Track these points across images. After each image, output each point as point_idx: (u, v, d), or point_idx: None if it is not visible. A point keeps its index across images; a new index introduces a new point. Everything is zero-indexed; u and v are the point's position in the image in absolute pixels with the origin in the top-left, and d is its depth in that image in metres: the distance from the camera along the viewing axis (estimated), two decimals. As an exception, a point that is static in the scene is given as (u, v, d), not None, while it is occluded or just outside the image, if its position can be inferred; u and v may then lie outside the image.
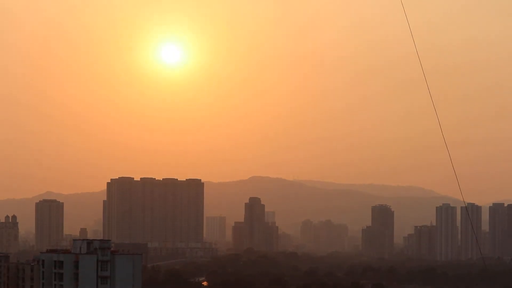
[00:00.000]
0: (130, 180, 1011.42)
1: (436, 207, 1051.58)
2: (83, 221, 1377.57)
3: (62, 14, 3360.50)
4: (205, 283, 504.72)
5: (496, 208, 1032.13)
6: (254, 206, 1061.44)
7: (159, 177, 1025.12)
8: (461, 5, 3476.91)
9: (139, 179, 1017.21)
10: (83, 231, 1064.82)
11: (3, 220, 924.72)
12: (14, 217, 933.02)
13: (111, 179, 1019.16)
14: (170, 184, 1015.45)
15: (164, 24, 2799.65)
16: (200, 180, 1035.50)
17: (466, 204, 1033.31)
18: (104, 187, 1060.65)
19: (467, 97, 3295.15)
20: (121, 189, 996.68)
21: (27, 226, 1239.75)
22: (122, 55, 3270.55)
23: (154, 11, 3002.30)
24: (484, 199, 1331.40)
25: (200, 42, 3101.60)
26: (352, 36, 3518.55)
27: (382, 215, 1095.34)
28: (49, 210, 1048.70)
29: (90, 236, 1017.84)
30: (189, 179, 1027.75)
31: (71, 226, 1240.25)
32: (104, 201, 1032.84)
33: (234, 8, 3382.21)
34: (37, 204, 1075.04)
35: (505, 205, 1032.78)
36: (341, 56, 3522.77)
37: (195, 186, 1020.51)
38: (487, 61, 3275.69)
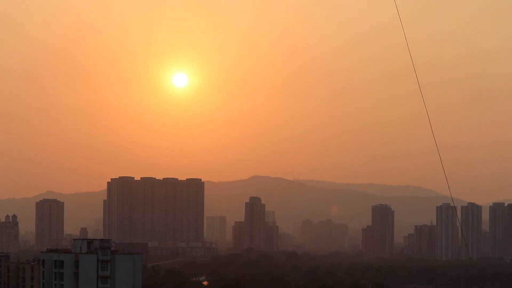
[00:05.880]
0: (130, 180, 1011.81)
1: (436, 207, 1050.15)
2: (84, 221, 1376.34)
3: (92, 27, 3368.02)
4: (205, 283, 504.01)
5: (496, 208, 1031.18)
6: (254, 206, 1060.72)
7: (159, 176, 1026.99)
8: (468, 16, 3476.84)
9: (139, 179, 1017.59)
10: (84, 230, 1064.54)
11: (3, 219, 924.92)
12: (14, 216, 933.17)
13: (112, 179, 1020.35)
14: (170, 184, 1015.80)
15: (176, 57, 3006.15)
16: (200, 180, 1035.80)
17: (464, 204, 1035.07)
18: (105, 186, 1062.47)
19: (467, 98, 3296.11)
20: (122, 189, 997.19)
21: (27, 226, 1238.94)
22: (137, 75, 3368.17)
23: (168, 47, 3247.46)
24: (484, 199, 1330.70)
25: (202, 71, 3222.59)
26: (353, 45, 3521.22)
27: (382, 214, 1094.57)
28: (50, 209, 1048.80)
29: (90, 235, 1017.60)
30: (189, 179, 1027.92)
31: (72, 226, 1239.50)
32: (104, 200, 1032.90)
33: (227, 42, 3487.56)
34: (37, 204, 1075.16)
35: (505, 205, 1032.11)
36: (340, 62, 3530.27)
37: (195, 186, 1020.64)
38: (487, 67, 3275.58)
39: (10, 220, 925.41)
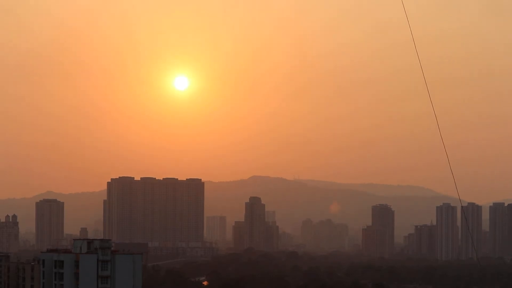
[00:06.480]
0: (130, 180, 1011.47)
1: (437, 207, 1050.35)
2: (84, 221, 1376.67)
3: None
4: (205, 283, 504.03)
5: (496, 208, 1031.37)
6: (254, 206, 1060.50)
7: (159, 177, 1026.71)
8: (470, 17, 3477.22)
9: (139, 179, 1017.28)
10: (84, 230, 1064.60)
11: (3, 219, 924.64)
12: (14, 216, 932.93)
13: (112, 179, 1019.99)
14: (170, 184, 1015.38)
15: (178, 62, 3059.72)
16: (200, 180, 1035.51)
17: (465, 204, 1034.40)
18: (105, 187, 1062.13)
19: (467, 99, 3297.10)
20: (121, 189, 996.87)
21: (27, 226, 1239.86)
22: (139, 77, 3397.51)
23: (171, 50, 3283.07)
24: (484, 199, 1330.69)
25: (203, 74, 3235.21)
26: (354, 44, 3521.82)
27: (382, 214, 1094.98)
28: (50, 209, 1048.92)
29: (90, 235, 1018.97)
30: (189, 179, 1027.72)
31: (72, 226, 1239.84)
32: (104, 200, 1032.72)
33: (227, 46, 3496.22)
34: (37, 204, 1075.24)
35: (505, 205, 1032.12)
36: (340, 61, 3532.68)
37: (195, 186, 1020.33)
38: (488, 68, 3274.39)
39: (10, 220, 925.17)
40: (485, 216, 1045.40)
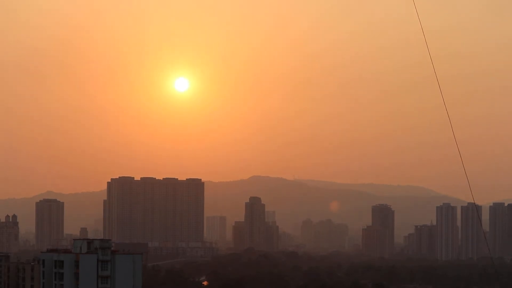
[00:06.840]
0: (130, 180, 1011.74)
1: (437, 207, 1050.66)
2: (84, 221, 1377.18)
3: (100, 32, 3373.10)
4: (205, 283, 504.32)
5: (496, 208, 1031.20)
6: (254, 206, 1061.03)
7: (159, 176, 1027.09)
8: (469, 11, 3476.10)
9: (139, 179, 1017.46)
10: (84, 230, 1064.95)
11: (3, 219, 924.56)
12: (14, 216, 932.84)
13: (112, 179, 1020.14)
14: (170, 184, 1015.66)
15: (178, 64, 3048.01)
16: (200, 180, 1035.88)
17: (465, 204, 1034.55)
18: (105, 186, 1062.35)
19: (467, 98, 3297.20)
20: (121, 189, 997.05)
21: (27, 226, 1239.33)
22: (141, 78, 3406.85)
23: (171, 55, 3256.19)
24: (484, 199, 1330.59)
25: (201, 77, 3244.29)
26: (354, 40, 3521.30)
27: (382, 214, 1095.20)
28: (50, 209, 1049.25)
29: (90, 235, 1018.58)
30: (189, 179, 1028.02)
31: (72, 226, 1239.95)
32: (104, 200, 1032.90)
33: (226, 47, 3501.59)
34: (37, 204, 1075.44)
35: (505, 204, 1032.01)
36: (339, 59, 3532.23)
37: (195, 186, 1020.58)
38: (490, 66, 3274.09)
39: (10, 220, 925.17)
40: (485, 216, 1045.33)
